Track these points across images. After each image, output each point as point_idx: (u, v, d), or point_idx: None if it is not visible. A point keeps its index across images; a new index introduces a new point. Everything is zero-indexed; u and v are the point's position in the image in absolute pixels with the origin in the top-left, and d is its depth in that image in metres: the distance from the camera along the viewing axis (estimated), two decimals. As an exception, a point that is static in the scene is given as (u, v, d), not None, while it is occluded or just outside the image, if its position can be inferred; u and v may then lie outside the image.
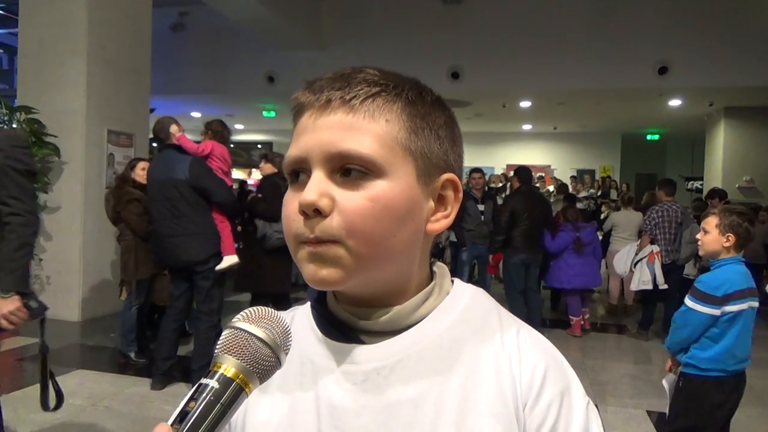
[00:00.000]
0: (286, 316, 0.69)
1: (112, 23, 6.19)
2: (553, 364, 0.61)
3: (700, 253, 2.52)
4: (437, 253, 6.86)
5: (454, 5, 9.35)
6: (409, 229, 0.58)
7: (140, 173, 4.49)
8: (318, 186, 0.55)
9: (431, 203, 0.60)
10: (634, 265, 5.63)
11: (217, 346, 0.50)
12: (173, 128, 3.90)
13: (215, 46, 10.17)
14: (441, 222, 0.61)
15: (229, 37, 9.92)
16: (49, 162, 5.93)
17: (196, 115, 12.93)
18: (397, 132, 0.57)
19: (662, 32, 8.70)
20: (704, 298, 2.37)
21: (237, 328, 0.51)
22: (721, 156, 11.22)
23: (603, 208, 10.01)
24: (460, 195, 0.62)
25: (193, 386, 0.51)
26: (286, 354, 0.52)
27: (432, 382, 0.58)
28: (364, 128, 0.56)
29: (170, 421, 0.47)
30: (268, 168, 4.95)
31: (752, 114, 10.82)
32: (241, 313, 0.52)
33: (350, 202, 0.55)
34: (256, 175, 19.71)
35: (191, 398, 0.48)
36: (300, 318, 0.67)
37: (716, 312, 2.34)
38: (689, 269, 6.60)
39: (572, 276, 5.52)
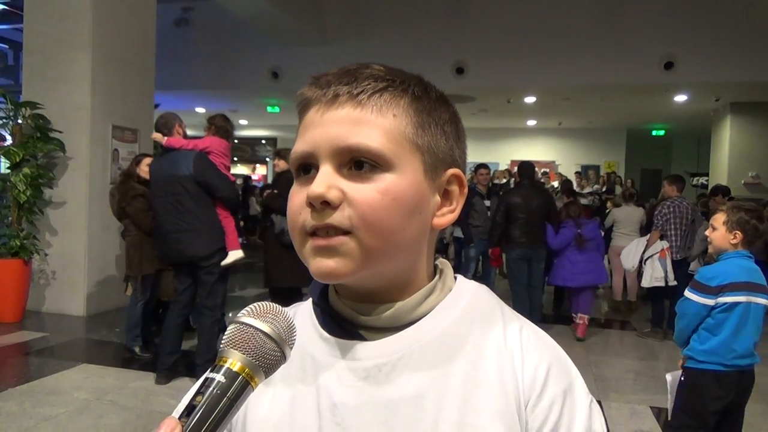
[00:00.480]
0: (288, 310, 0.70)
1: (116, 19, 6.20)
2: (556, 362, 0.61)
3: (710, 250, 2.51)
4: (441, 249, 6.87)
5: (459, 0, 9.32)
6: (417, 223, 0.58)
7: (145, 169, 4.50)
8: (327, 179, 0.55)
9: (437, 198, 0.61)
10: (644, 261, 5.53)
11: (223, 341, 0.51)
12: (176, 129, 3.94)
13: (219, 42, 10.17)
14: (447, 217, 0.62)
15: (233, 32, 9.91)
16: (54, 157, 5.96)
17: (200, 110, 12.94)
18: (405, 127, 0.57)
19: (668, 27, 8.66)
20: (699, 288, 2.41)
21: (242, 323, 0.51)
22: (727, 152, 11.17)
23: (608, 204, 9.97)
24: (465, 190, 0.63)
25: (197, 380, 0.51)
26: (291, 348, 0.53)
27: (434, 379, 0.58)
28: (372, 123, 0.56)
29: (177, 415, 0.47)
30: (282, 164, 4.98)
31: (759, 109, 10.76)
32: (246, 308, 0.53)
33: (361, 194, 0.55)
34: (260, 171, 19.78)
35: (198, 392, 0.48)
36: (302, 314, 0.66)
37: (710, 302, 2.37)
38: (695, 265, 6.57)
39: (576, 274, 5.42)
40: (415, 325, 0.60)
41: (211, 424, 0.47)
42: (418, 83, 0.60)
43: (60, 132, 5.82)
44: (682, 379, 2.51)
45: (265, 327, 0.51)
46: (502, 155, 15.99)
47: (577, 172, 13.67)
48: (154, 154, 6.42)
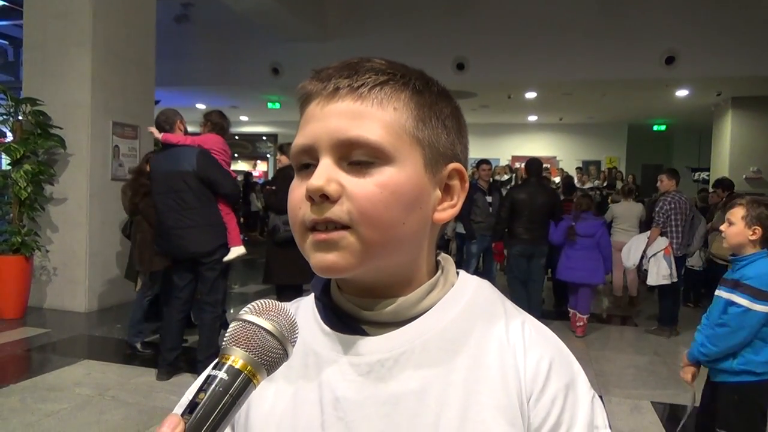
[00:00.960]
0: (288, 307, 0.69)
1: (116, 15, 6.19)
2: (558, 357, 0.60)
3: (724, 245, 2.38)
4: (442, 245, 6.87)
5: (460, -5, 9.30)
6: (417, 217, 0.58)
7: None
8: (326, 172, 0.55)
9: (438, 192, 0.60)
10: (647, 259, 5.45)
11: (225, 338, 0.51)
12: (177, 125, 3.94)
13: (219, 38, 10.15)
14: (448, 211, 0.61)
15: (233, 28, 9.89)
16: (54, 154, 5.96)
17: (200, 106, 12.92)
18: (405, 120, 0.57)
19: (669, 22, 8.63)
20: (759, 295, 2.18)
21: (245, 321, 0.51)
22: (728, 146, 11.14)
23: (609, 200, 9.97)
24: (467, 185, 0.63)
25: (198, 376, 0.51)
26: (293, 346, 0.53)
27: (436, 374, 0.58)
28: (373, 116, 0.56)
29: (180, 412, 0.47)
30: (285, 160, 4.96)
31: (760, 104, 10.74)
32: (249, 305, 0.53)
33: (359, 188, 0.55)
34: (261, 167, 19.77)
35: (200, 389, 0.48)
36: (304, 309, 0.67)
37: None
38: (694, 260, 6.56)
39: (569, 269, 5.38)
40: (417, 320, 0.60)
41: (214, 422, 0.47)
42: (419, 77, 0.60)
43: (60, 128, 5.82)
44: (736, 398, 2.26)
45: (267, 324, 0.51)
46: (503, 151, 15.97)
47: (578, 168, 13.66)
48: (154, 150, 6.44)
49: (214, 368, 0.49)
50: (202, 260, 3.84)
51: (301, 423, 0.60)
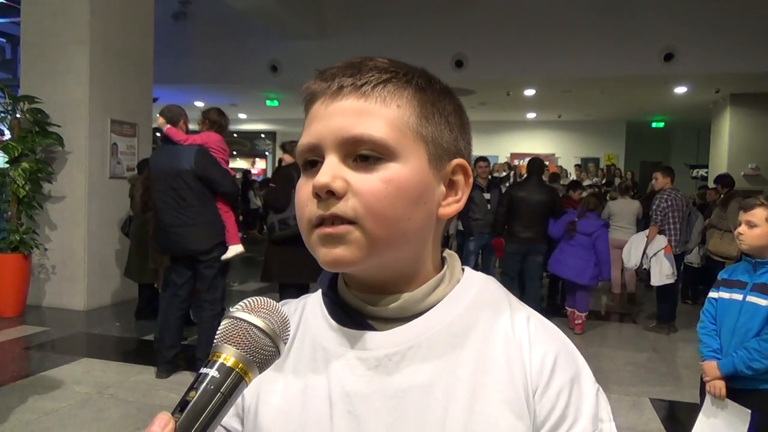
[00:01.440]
0: (296, 304, 0.70)
1: (114, 12, 6.18)
2: (563, 352, 0.61)
3: (742, 248, 2.21)
4: (443, 243, 6.86)
5: (458, -8, 9.29)
6: (422, 212, 0.59)
7: None
8: (332, 169, 0.56)
9: (442, 188, 0.61)
10: (648, 258, 5.39)
11: (217, 336, 0.50)
12: (181, 124, 3.94)
13: (218, 35, 10.13)
14: (452, 206, 0.62)
15: (231, 26, 9.87)
16: (52, 152, 5.94)
17: (199, 104, 12.90)
18: (408, 117, 0.58)
19: (668, 18, 8.62)
20: None
21: (236, 318, 0.51)
22: (727, 143, 11.15)
23: (607, 197, 9.98)
24: (471, 180, 0.64)
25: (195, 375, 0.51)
26: (285, 344, 0.53)
27: (443, 368, 0.58)
28: (377, 113, 0.57)
29: (172, 411, 0.47)
30: (288, 159, 4.95)
31: (758, 101, 10.74)
32: (240, 303, 0.53)
33: (365, 184, 0.56)
34: (259, 165, 19.76)
35: (192, 387, 0.48)
36: (311, 305, 0.67)
37: None
38: (692, 257, 6.57)
39: (560, 262, 5.36)
40: (424, 315, 0.61)
41: (205, 420, 0.47)
42: (421, 75, 0.61)
43: (58, 126, 5.80)
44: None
45: (259, 322, 0.50)
46: (502, 148, 15.98)
47: (576, 165, 13.66)
48: (153, 148, 6.44)
49: (205, 366, 0.49)
50: (201, 258, 3.83)
51: (311, 417, 0.60)
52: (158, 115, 4.00)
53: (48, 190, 5.94)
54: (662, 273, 5.29)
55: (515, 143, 16.34)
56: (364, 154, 0.56)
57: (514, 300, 0.66)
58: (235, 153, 18.13)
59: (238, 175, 12.67)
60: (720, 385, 2.19)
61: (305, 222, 0.58)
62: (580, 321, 5.45)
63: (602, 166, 14.57)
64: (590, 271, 5.28)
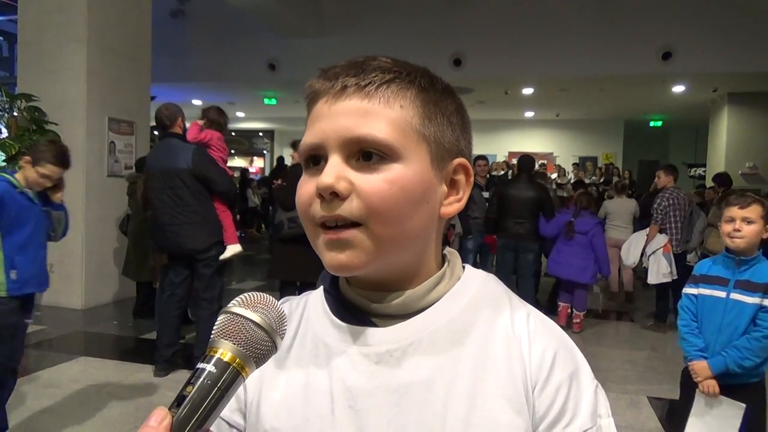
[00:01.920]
0: (298, 300, 0.70)
1: (112, 10, 6.16)
2: (562, 348, 0.62)
3: (742, 246, 2.19)
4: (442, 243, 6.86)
5: (456, -9, 9.28)
6: (425, 212, 0.59)
7: None
8: (335, 169, 0.56)
9: (444, 187, 0.62)
10: (647, 256, 5.38)
11: (213, 331, 0.51)
12: (178, 123, 3.93)
13: (216, 34, 10.11)
14: (454, 206, 0.63)
15: (229, 24, 9.86)
16: (50, 150, 5.92)
17: (197, 102, 12.88)
18: (411, 117, 0.59)
19: (666, 17, 8.63)
20: None
21: (233, 313, 0.51)
22: (725, 142, 11.17)
23: (605, 196, 9.99)
24: (472, 179, 0.64)
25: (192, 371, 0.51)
26: (282, 339, 0.53)
27: (444, 364, 0.59)
28: (380, 113, 0.57)
29: (169, 406, 0.47)
30: (297, 157, 4.94)
31: (756, 100, 10.76)
32: (237, 298, 0.53)
33: (368, 185, 0.56)
34: (257, 163, 19.73)
35: (188, 383, 0.48)
36: (313, 302, 0.68)
37: None
38: (692, 258, 6.57)
39: (558, 263, 5.36)
40: (425, 312, 0.62)
41: (202, 415, 0.47)
42: (424, 75, 0.61)
43: (56, 124, 5.78)
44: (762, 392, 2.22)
45: (255, 317, 0.50)
46: (500, 147, 15.98)
47: (574, 164, 13.68)
48: (151, 146, 6.42)
49: (202, 361, 0.49)
50: (198, 257, 3.83)
51: (312, 411, 0.61)
52: (179, 120, 3.98)
53: (45, 188, 5.92)
54: (659, 272, 5.29)
55: (513, 142, 16.34)
56: (367, 152, 0.57)
57: (514, 297, 0.66)
58: (233, 151, 18.09)
59: (236, 174, 12.66)
60: (713, 384, 2.20)
61: (309, 220, 0.59)
62: (578, 320, 5.45)
63: (600, 165, 14.57)
64: (591, 269, 5.30)
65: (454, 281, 0.64)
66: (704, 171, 13.00)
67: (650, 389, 4.01)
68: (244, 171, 15.43)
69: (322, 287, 0.69)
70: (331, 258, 0.58)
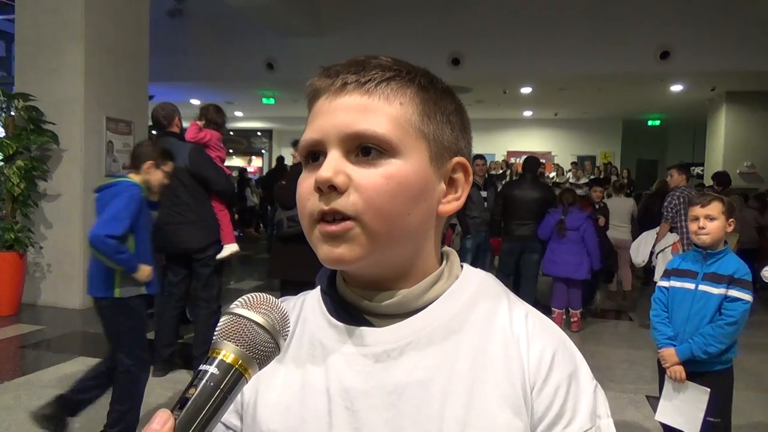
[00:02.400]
0: (295, 300, 0.70)
1: (109, 9, 6.15)
2: (561, 348, 0.61)
3: (708, 241, 2.33)
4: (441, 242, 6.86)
5: (455, -10, 9.28)
6: (423, 209, 0.59)
7: None
8: (334, 164, 0.56)
9: (443, 185, 0.62)
10: (655, 255, 5.31)
11: (216, 332, 0.50)
12: (175, 122, 3.93)
13: (214, 33, 10.10)
14: (452, 204, 0.63)
15: (227, 23, 9.84)
16: (47, 150, 5.92)
17: (195, 102, 12.87)
18: (411, 115, 0.59)
19: (664, 17, 8.64)
20: (750, 287, 2.30)
21: (235, 314, 0.50)
22: (723, 141, 11.18)
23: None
24: (471, 178, 0.65)
25: (194, 373, 0.51)
26: (285, 340, 0.53)
27: (441, 364, 0.59)
28: (380, 110, 0.58)
29: (171, 408, 0.47)
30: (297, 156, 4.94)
31: (754, 99, 10.77)
32: (239, 299, 0.52)
33: (366, 179, 0.56)
34: (256, 163, 19.71)
35: (191, 385, 0.47)
36: (310, 302, 0.68)
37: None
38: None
39: (552, 262, 5.35)
40: (422, 311, 0.61)
41: (205, 417, 0.46)
42: (424, 75, 0.62)
43: (53, 124, 5.78)
44: (729, 381, 2.36)
45: (258, 318, 0.50)
46: (498, 146, 16.00)
47: (573, 163, 13.69)
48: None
49: (205, 363, 0.49)
50: (196, 256, 3.83)
51: (309, 412, 0.61)
52: (176, 119, 4.00)
53: (43, 188, 5.91)
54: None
55: (512, 141, 16.36)
56: (366, 147, 0.57)
57: (513, 296, 0.66)
58: (231, 151, 18.09)
59: (235, 174, 12.65)
60: (680, 370, 2.35)
61: (307, 216, 0.59)
62: (575, 319, 5.46)
63: (598, 163, 14.59)
64: (586, 265, 5.30)
65: (452, 280, 0.64)
66: (702, 170, 13.02)
67: (649, 388, 4.01)
68: (242, 170, 15.42)
69: (319, 287, 0.68)
70: (326, 251, 0.58)
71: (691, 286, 2.38)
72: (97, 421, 3.08)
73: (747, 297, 2.27)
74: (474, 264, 0.74)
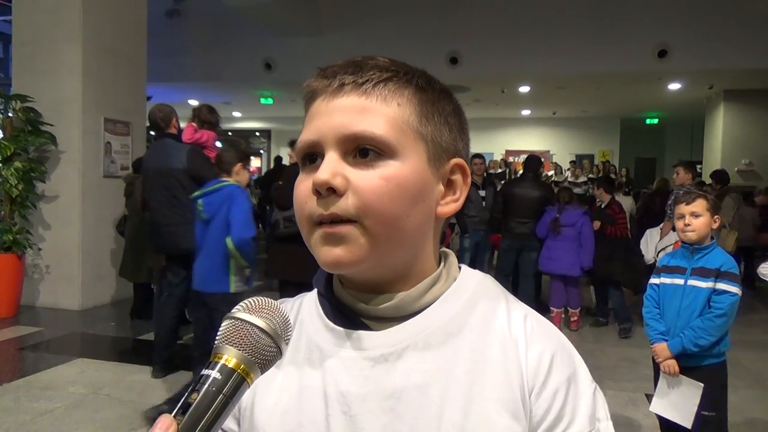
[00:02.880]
0: (292, 303, 0.69)
1: (107, 9, 6.13)
2: (560, 351, 0.61)
3: (694, 238, 2.39)
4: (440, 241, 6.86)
5: (452, -11, 9.28)
6: (421, 211, 0.59)
7: None
8: (332, 166, 0.56)
9: (441, 187, 0.61)
10: (657, 252, 5.40)
11: (218, 337, 0.50)
12: (173, 123, 3.92)
13: (212, 33, 10.08)
14: (450, 205, 0.62)
15: (225, 23, 9.83)
16: (45, 151, 5.91)
17: (193, 102, 12.85)
18: (409, 116, 0.58)
19: (662, 15, 8.64)
20: (738, 281, 2.35)
21: (237, 319, 0.50)
22: (721, 139, 11.20)
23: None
24: (469, 180, 0.64)
25: (193, 374, 0.50)
26: (287, 344, 0.52)
27: (439, 368, 0.58)
28: (377, 111, 0.57)
29: (173, 413, 0.47)
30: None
31: (752, 97, 10.79)
32: (241, 303, 0.52)
33: (364, 181, 0.56)
34: (254, 163, 19.70)
35: (193, 389, 0.47)
36: (307, 305, 0.67)
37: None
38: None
39: (548, 259, 5.34)
40: (420, 314, 0.61)
41: (207, 422, 0.46)
42: (422, 76, 0.61)
43: (51, 125, 5.77)
44: (715, 378, 2.37)
45: (260, 322, 0.50)
46: (497, 145, 16.00)
47: (571, 161, 13.69)
48: (147, 146, 6.41)
49: (207, 367, 0.49)
50: (194, 257, 3.81)
51: (306, 417, 0.60)
52: (173, 120, 4.02)
53: (41, 189, 5.90)
54: None
55: (510, 140, 16.37)
56: (364, 148, 0.56)
57: (511, 298, 0.65)
58: (229, 151, 18.06)
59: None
60: (673, 364, 2.38)
61: (305, 218, 0.58)
62: (575, 318, 5.47)
63: (597, 162, 14.59)
64: (578, 261, 5.31)
65: (450, 282, 0.63)
66: (700, 168, 13.04)
67: (648, 387, 3.99)
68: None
69: (316, 290, 0.68)
70: (325, 253, 0.57)
71: (680, 281, 2.43)
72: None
73: (734, 289, 2.32)
74: (473, 262, 0.74)
